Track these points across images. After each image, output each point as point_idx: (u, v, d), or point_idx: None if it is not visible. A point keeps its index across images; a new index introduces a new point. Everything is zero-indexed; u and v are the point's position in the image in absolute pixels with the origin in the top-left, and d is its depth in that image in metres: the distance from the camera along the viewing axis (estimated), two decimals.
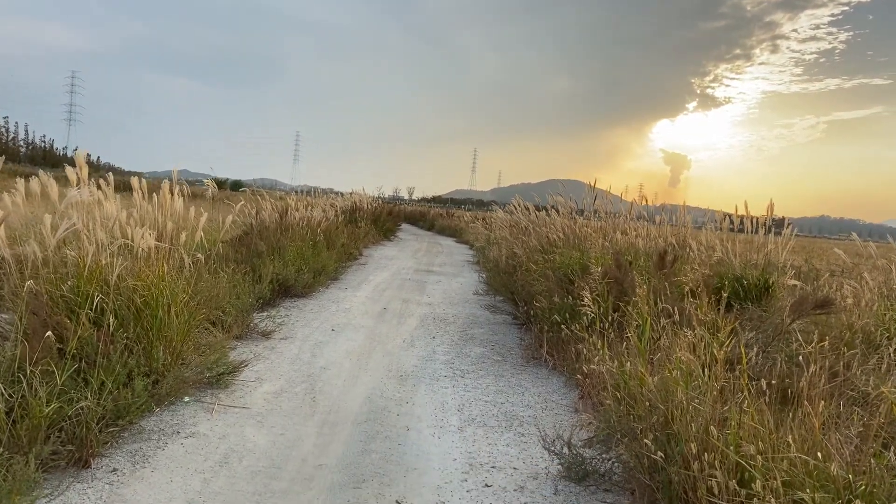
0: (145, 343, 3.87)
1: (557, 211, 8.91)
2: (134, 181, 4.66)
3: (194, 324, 4.44)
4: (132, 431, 3.44)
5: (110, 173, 4.71)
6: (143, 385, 3.54)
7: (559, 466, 3.23)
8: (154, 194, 4.86)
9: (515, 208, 10.03)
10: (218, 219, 7.11)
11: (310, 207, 12.26)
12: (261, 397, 4.17)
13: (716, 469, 2.28)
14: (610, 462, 3.13)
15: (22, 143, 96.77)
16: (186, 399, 3.98)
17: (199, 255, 5.18)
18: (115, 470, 3.02)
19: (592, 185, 8.08)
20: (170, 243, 4.61)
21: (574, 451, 3.15)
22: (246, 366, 4.69)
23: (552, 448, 3.22)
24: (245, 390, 4.27)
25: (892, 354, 3.57)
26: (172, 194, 4.83)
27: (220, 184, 27.29)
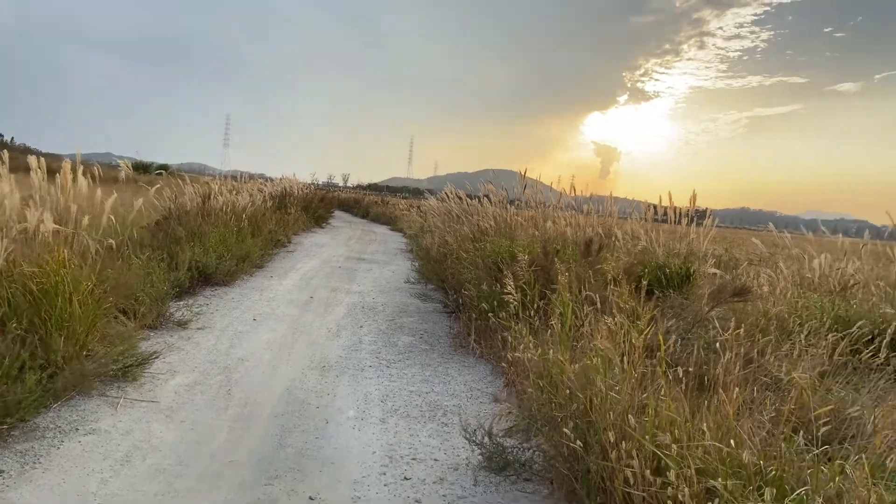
0: (42, 333, 3.58)
1: (489, 200, 8.88)
2: (32, 160, 4.31)
3: (101, 313, 4.16)
4: (24, 430, 3.17)
5: (5, 151, 4.34)
6: (37, 379, 3.27)
7: (480, 457, 3.17)
8: (56, 175, 4.52)
9: (447, 196, 9.96)
10: (133, 203, 6.74)
11: (235, 192, 11.84)
12: (172, 390, 3.95)
13: (633, 458, 2.26)
14: (530, 451, 3.09)
15: None
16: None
17: (111, 241, 4.87)
18: (0, 472, 2.77)
19: (523, 174, 8.08)
20: (73, 227, 4.30)
21: (494, 441, 3.09)
22: (157, 357, 4.43)
23: (473, 438, 3.15)
24: (155, 383, 4.03)
25: (802, 341, 3.68)
26: (76, 175, 4.49)
27: (146, 167, 26.18)
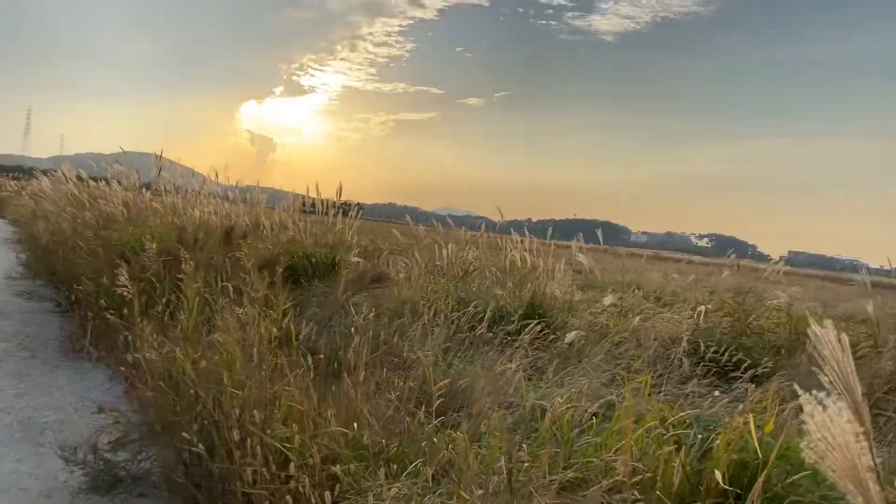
0: None
1: (119, 183, 7.81)
2: None
3: None
4: None
5: None
6: None
7: (83, 477, 2.65)
8: None
9: (65, 177, 8.47)
10: None
11: None
12: None
13: (255, 456, 2.08)
14: (147, 462, 2.69)
15: None
16: None
17: None
18: None
19: (159, 155, 7.30)
20: None
21: (100, 458, 2.61)
22: None
23: (72, 457, 2.62)
24: None
25: (428, 322, 3.97)
26: None
27: None
